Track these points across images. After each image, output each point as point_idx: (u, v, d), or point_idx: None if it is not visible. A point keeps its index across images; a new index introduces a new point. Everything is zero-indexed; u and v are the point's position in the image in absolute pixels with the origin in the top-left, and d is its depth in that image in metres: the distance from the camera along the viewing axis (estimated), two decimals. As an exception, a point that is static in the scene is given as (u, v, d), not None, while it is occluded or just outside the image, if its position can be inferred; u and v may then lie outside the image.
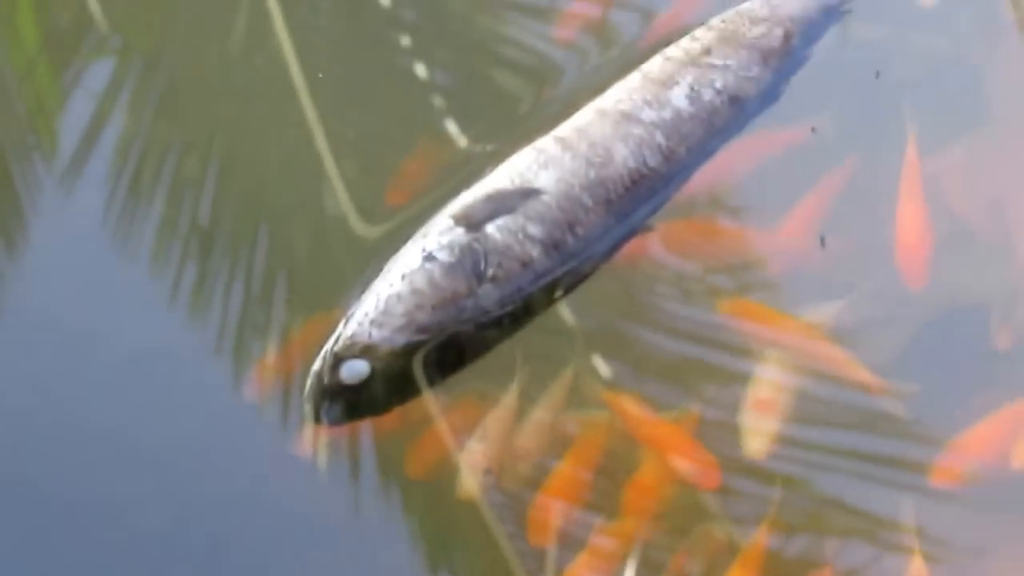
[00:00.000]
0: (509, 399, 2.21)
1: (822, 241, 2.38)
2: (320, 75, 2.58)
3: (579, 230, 2.28)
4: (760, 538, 2.09)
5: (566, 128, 2.36)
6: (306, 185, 2.45)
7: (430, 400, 2.20)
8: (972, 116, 2.51)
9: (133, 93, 2.60)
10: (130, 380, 2.24)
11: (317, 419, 2.17)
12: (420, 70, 2.62)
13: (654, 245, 2.36)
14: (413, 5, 2.73)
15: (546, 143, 2.33)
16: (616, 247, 2.32)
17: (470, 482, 2.14)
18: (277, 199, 2.47)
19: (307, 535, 2.11)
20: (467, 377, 2.25)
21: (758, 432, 2.18)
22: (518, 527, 2.11)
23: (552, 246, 2.26)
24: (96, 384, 2.25)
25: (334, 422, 2.19)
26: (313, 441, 2.18)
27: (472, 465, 2.14)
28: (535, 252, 2.25)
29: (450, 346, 2.22)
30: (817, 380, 2.24)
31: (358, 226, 2.39)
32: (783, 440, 2.18)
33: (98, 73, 2.64)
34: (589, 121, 2.36)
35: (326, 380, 2.16)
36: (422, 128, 2.54)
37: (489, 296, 2.22)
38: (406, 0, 2.73)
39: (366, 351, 2.16)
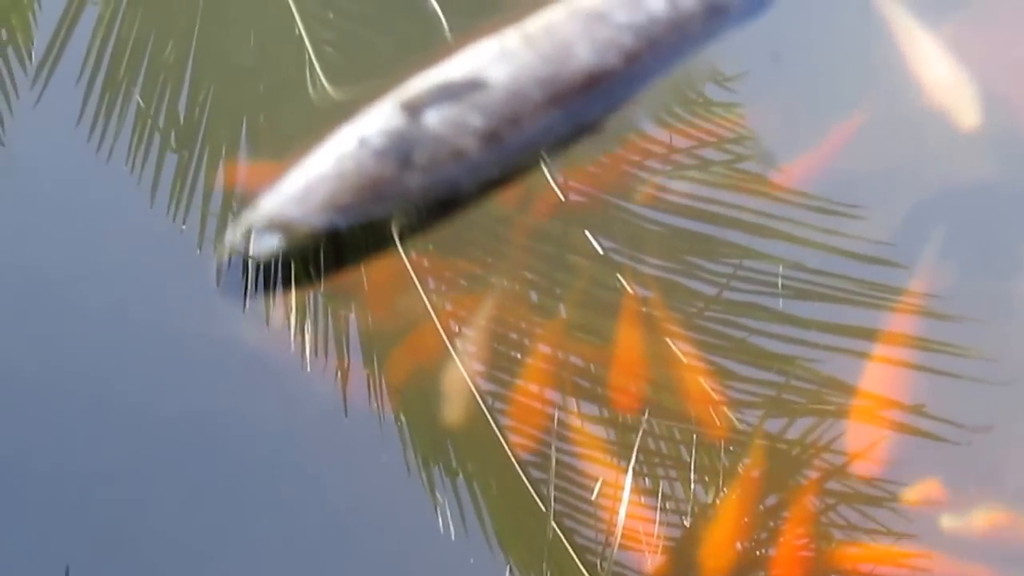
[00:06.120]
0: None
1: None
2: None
3: (523, 125, 2.25)
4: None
5: (533, 23, 2.31)
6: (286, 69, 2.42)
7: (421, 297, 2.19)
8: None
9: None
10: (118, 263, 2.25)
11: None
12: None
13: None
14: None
15: (510, 36, 2.30)
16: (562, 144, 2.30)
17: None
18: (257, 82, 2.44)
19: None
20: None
21: None
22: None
23: (490, 138, 2.23)
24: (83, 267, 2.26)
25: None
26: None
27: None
28: (471, 143, 2.22)
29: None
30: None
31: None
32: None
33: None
34: (559, 19, 2.32)
35: (239, 250, 2.16)
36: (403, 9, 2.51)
37: (415, 183, 2.20)
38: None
39: (282, 228, 2.16)
